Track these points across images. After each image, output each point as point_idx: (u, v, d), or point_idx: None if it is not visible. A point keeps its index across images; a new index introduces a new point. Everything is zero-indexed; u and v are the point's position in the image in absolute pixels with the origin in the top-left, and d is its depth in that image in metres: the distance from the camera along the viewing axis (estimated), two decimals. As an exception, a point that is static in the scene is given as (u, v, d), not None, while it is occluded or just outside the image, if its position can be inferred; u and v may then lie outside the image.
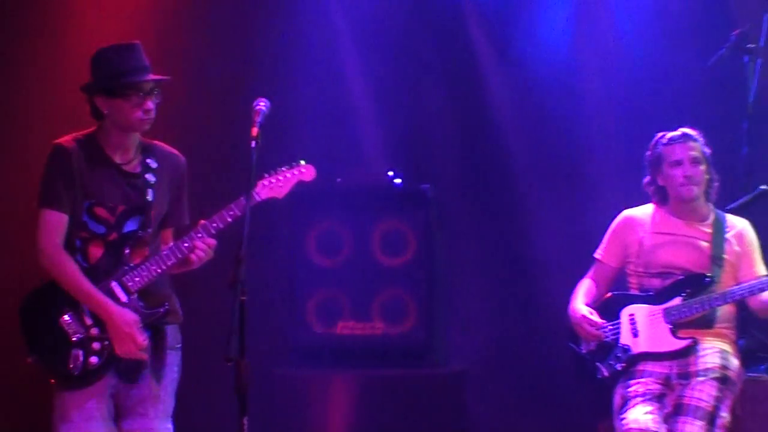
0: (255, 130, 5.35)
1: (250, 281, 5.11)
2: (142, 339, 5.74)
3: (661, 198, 6.78)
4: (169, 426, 6.00)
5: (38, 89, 8.06)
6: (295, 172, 5.89)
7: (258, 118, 5.37)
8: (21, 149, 7.49)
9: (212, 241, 5.76)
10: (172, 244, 5.84)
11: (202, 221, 5.80)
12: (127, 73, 5.87)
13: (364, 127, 8.65)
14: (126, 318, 5.76)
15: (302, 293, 8.13)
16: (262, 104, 5.41)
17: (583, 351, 6.66)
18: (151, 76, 5.88)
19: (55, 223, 5.83)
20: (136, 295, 5.80)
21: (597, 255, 6.89)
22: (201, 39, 8.14)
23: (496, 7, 8.71)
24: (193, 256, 5.81)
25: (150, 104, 5.81)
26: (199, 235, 5.77)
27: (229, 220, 5.74)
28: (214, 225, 5.68)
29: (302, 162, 5.84)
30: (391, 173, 8.19)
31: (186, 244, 5.79)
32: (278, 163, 5.89)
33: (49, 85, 7.99)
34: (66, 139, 5.94)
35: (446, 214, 8.45)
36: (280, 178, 5.87)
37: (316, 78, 8.48)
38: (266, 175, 5.85)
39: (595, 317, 6.61)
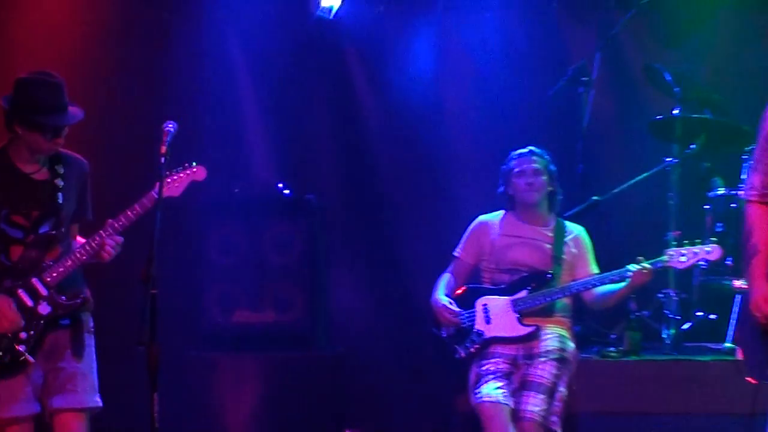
0: (163, 148, 5.35)
1: (161, 277, 5.10)
2: (12, 315, 5.65)
3: (510, 205, 6.87)
4: (98, 399, 5.87)
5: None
6: (188, 173, 5.85)
7: (167, 138, 5.36)
8: None
9: (119, 239, 5.67)
10: (84, 242, 5.71)
11: (110, 220, 5.70)
12: (46, 113, 5.71)
13: (257, 146, 8.64)
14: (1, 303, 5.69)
15: (205, 287, 8.09)
16: (170, 126, 5.38)
17: (444, 335, 6.69)
18: (68, 118, 5.75)
19: None
20: (54, 289, 5.70)
21: (456, 253, 6.94)
22: (118, 65, 8.04)
23: (370, 41, 8.73)
24: (103, 253, 5.70)
25: (61, 140, 5.74)
26: (108, 233, 5.67)
27: (133, 218, 5.67)
28: (120, 223, 5.60)
29: (194, 164, 5.78)
30: (281, 185, 8.16)
31: (96, 242, 5.70)
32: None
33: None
34: None
35: (327, 220, 8.43)
36: (176, 178, 5.82)
37: (218, 103, 8.46)
38: (169, 175, 5.78)
39: (454, 306, 6.68)
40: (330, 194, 8.59)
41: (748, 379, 5.13)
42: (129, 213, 5.68)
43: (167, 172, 5.70)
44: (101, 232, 5.72)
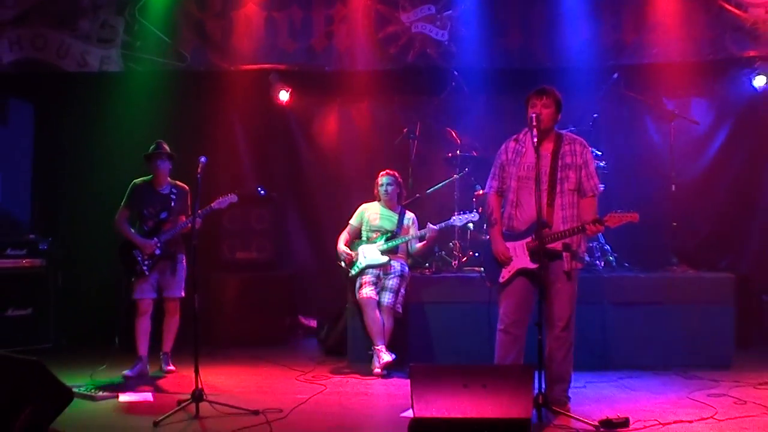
0: (200, 170, 5.50)
1: (200, 235, 5.34)
2: (150, 249, 6.20)
3: (379, 199, 6.94)
4: (182, 293, 6.42)
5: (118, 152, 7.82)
6: (229, 197, 6.18)
7: (201, 164, 5.51)
8: (114, 179, 7.30)
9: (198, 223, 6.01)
10: (179, 223, 6.25)
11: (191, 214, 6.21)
12: (152, 153, 6.29)
13: (247, 169, 8.45)
14: (145, 243, 6.22)
15: (221, 239, 7.95)
16: (203, 159, 5.53)
17: (343, 266, 6.75)
18: (160, 153, 6.31)
19: (125, 212, 6.30)
20: (162, 243, 6.20)
21: (350, 221, 6.95)
22: (177, 132, 7.73)
23: (305, 115, 8.51)
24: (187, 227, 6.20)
25: (158, 164, 6.33)
26: (191, 219, 6.00)
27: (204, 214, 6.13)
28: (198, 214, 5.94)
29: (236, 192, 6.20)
30: (259, 188, 8.09)
31: (184, 223, 6.22)
32: (216, 187, 6.32)
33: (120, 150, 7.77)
34: (138, 180, 6.42)
35: (284, 207, 8.37)
36: (222, 200, 6.14)
37: (226, 147, 8.23)
38: (219, 198, 6.16)
39: (348, 249, 6.76)
40: (285, 193, 8.40)
41: (487, 283, 5.30)
42: (201, 211, 6.02)
43: (221, 197, 6.13)
44: (186, 220, 6.21)
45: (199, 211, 5.95)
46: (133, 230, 6.36)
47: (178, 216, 6.38)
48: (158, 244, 6.26)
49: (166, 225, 6.33)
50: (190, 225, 6.04)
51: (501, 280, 5.10)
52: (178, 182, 6.49)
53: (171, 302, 6.44)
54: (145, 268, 6.26)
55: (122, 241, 6.36)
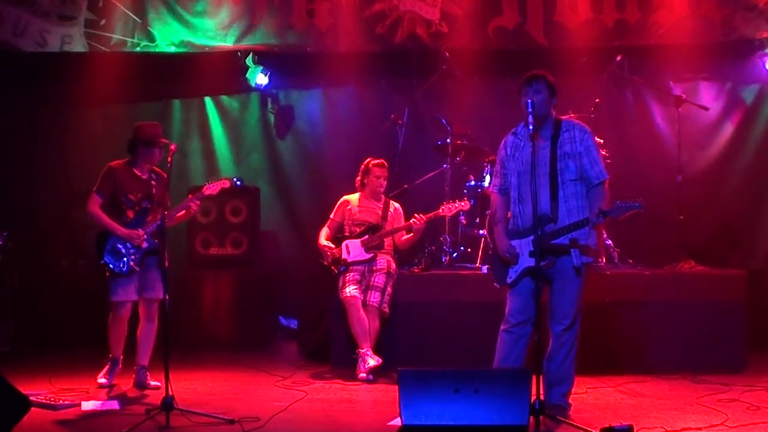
0: (170, 158, 5.47)
1: (170, 229, 5.23)
2: (138, 240, 5.93)
3: (362, 189, 6.89)
4: (162, 294, 5.96)
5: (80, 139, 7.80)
6: (221, 182, 6.10)
7: (172, 152, 5.48)
8: (85, 162, 7.26)
9: (182, 213, 6.06)
10: (166, 212, 5.87)
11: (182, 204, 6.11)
12: (155, 138, 6.06)
13: (224, 159, 8.49)
14: (131, 233, 5.93)
15: (193, 234, 7.92)
16: (173, 146, 5.51)
17: (325, 263, 6.70)
18: (161, 141, 6.06)
19: (97, 199, 6.00)
20: (149, 235, 5.98)
21: (330, 216, 6.92)
22: (142, 119, 7.69)
23: (284, 101, 8.56)
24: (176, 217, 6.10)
25: (157, 152, 6.08)
26: (176, 210, 6.06)
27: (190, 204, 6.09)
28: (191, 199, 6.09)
29: (223, 176, 6.11)
30: (236, 179, 8.07)
31: (179, 209, 6.09)
32: (189, 176, 6.14)
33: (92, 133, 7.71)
34: (115, 163, 6.11)
35: (262, 199, 8.26)
36: (214, 185, 6.05)
37: (204, 133, 8.34)
38: (207, 183, 6.07)
39: (330, 244, 6.72)
40: (263, 184, 8.40)
41: (494, 284, 5.24)
42: (187, 202, 6.07)
43: (210, 180, 6.05)
44: (174, 209, 6.09)
45: (191, 196, 6.08)
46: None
47: (159, 206, 6.04)
48: (145, 237, 5.94)
49: (149, 215, 6.03)
50: (183, 211, 6.10)
51: (509, 280, 5.08)
52: (156, 168, 6.18)
53: (151, 304, 6.08)
54: (133, 263, 5.93)
55: (100, 232, 6.00)
